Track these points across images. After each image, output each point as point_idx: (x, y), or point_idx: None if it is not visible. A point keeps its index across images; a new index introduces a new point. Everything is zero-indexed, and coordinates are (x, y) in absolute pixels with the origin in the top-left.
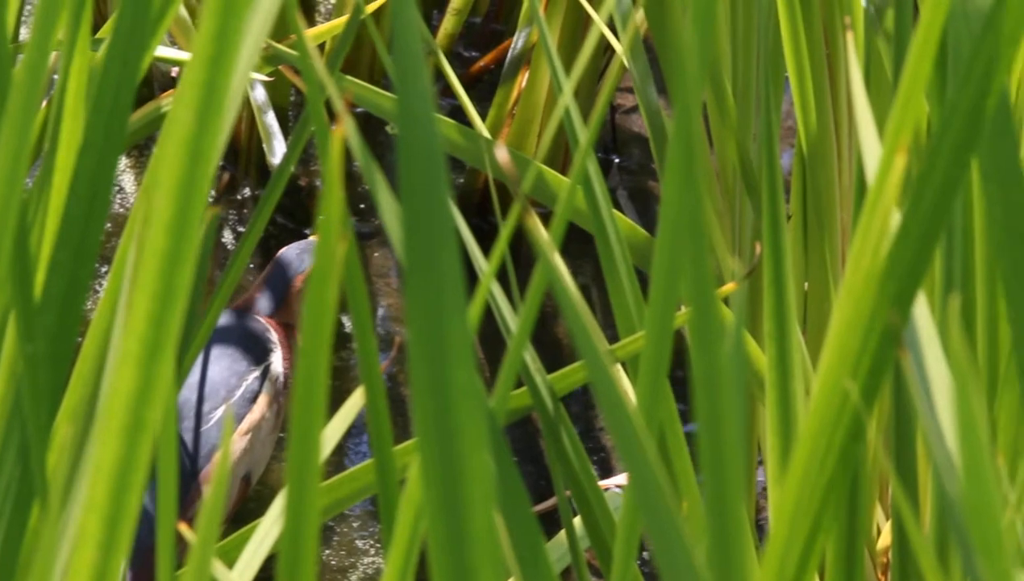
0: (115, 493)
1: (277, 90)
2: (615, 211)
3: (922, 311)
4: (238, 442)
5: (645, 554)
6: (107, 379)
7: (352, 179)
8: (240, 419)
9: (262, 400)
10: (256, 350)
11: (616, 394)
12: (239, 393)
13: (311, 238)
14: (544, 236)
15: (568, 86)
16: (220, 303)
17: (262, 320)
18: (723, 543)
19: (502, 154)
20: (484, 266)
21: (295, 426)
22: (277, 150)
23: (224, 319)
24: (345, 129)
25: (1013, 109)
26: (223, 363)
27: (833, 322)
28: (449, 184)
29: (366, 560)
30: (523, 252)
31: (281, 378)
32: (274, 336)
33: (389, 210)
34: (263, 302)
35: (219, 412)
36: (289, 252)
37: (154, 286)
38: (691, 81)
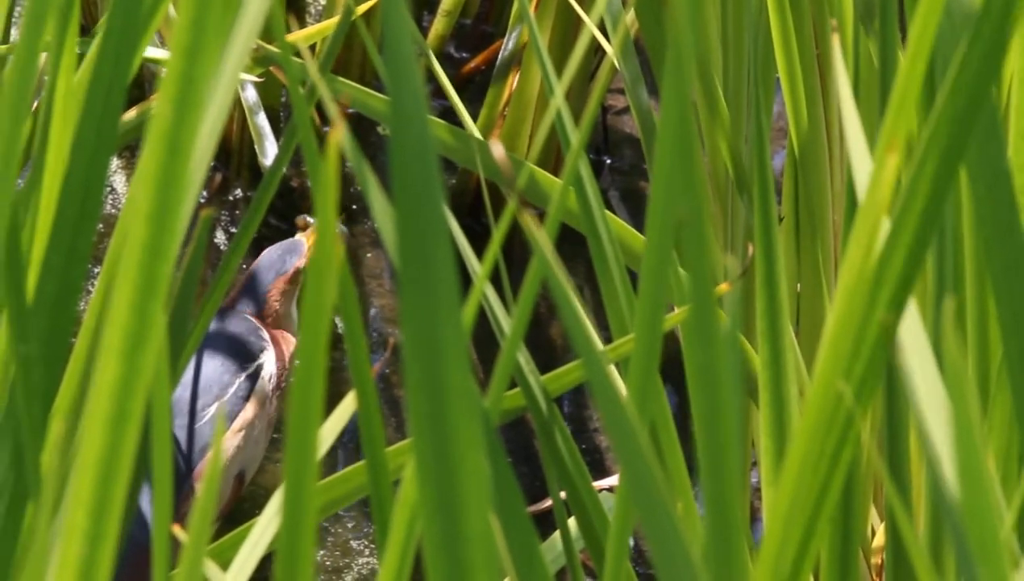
0: (101, 485)
1: (268, 91)
2: (607, 212)
3: (913, 314)
4: (231, 440)
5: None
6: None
7: (344, 180)
8: (233, 417)
9: (254, 398)
10: (249, 349)
11: (611, 389)
12: (231, 391)
13: (294, 238)
14: (540, 233)
15: (560, 88)
16: (213, 303)
17: (253, 319)
18: (721, 541)
19: (498, 150)
20: (477, 267)
21: (292, 428)
22: (269, 151)
23: (216, 319)
24: (339, 132)
25: (1001, 112)
26: (216, 361)
27: (828, 324)
28: (442, 185)
29: (360, 560)
30: (515, 253)
31: (274, 377)
32: (266, 335)
33: (382, 211)
34: (242, 305)
35: (212, 410)
36: (271, 254)
37: (136, 278)
38: (683, 60)
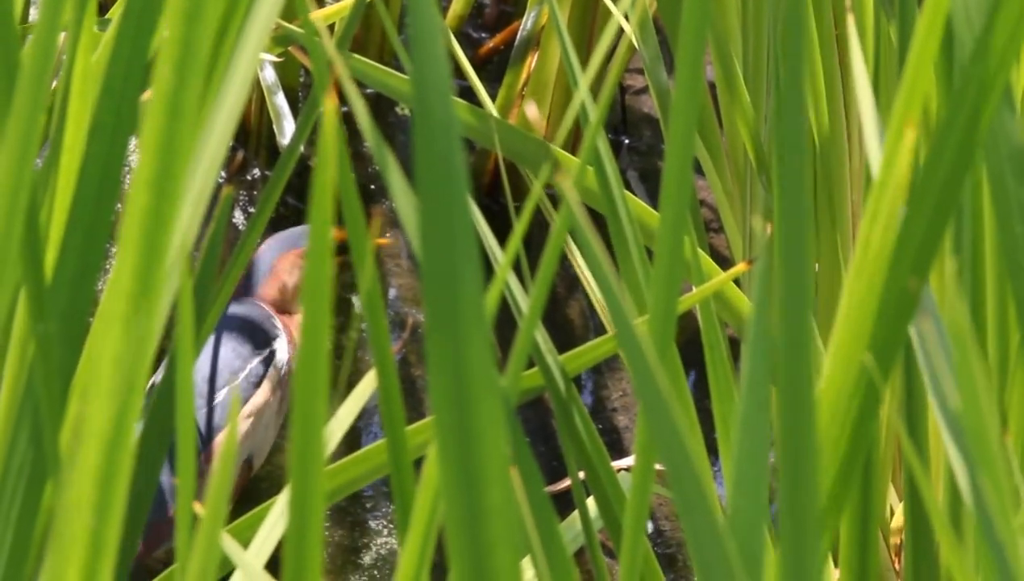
0: (107, 455)
1: (287, 71)
2: (626, 192)
3: (930, 292)
4: (240, 425)
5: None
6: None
7: (362, 160)
8: (243, 403)
9: (266, 385)
10: (261, 335)
11: (641, 347)
12: (242, 376)
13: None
14: (570, 188)
15: (585, 79)
16: (231, 282)
17: (266, 306)
18: (749, 521)
19: (531, 111)
20: (495, 247)
21: (297, 408)
22: (287, 131)
23: (232, 304)
24: (356, 109)
25: (1020, 93)
26: (227, 346)
27: (843, 302)
28: (464, 159)
29: (379, 540)
30: (533, 234)
31: (286, 364)
32: (279, 322)
33: (400, 191)
34: (252, 278)
35: (222, 394)
36: (292, 231)
37: (138, 243)
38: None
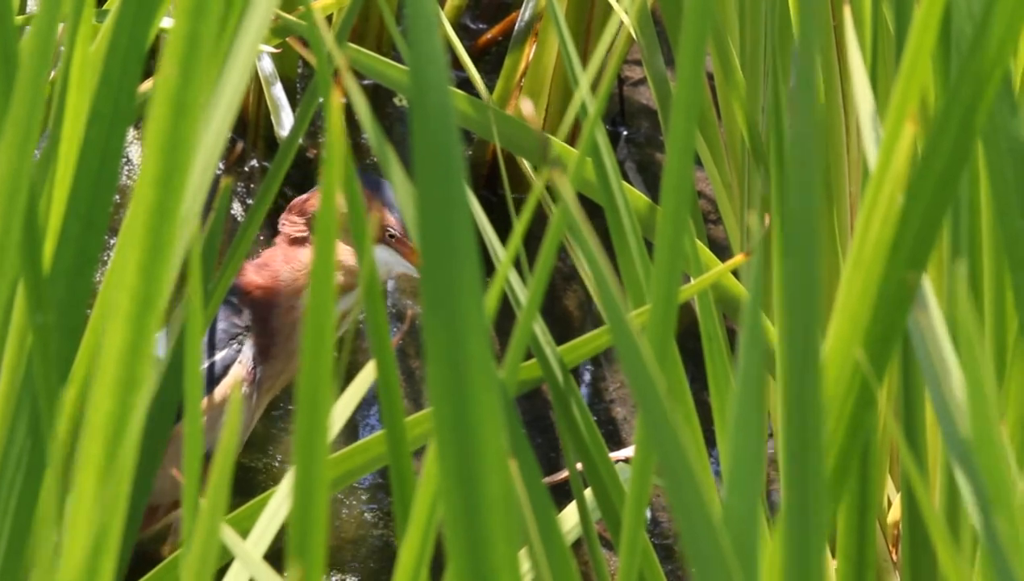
0: (110, 448)
1: (285, 62)
2: (624, 182)
3: (927, 284)
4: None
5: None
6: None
7: (361, 151)
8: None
9: (225, 384)
10: (222, 336)
11: (635, 342)
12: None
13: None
14: (564, 183)
15: (584, 71)
16: (230, 274)
17: (236, 301)
18: (742, 509)
19: (527, 107)
20: (493, 238)
21: (302, 398)
22: (285, 122)
23: None
24: (354, 100)
25: (1017, 84)
26: None
27: (841, 294)
28: (462, 149)
29: (375, 532)
30: (531, 225)
31: (250, 362)
32: (245, 320)
33: (400, 183)
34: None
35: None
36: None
37: (143, 240)
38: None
